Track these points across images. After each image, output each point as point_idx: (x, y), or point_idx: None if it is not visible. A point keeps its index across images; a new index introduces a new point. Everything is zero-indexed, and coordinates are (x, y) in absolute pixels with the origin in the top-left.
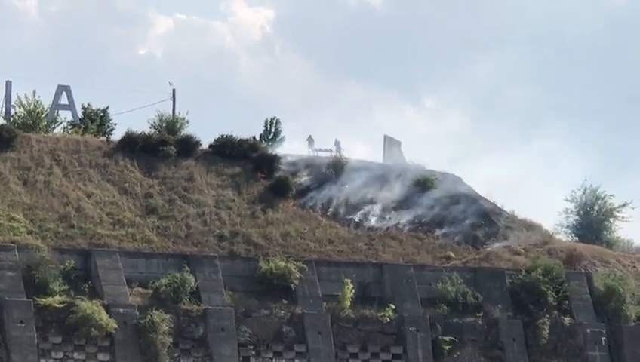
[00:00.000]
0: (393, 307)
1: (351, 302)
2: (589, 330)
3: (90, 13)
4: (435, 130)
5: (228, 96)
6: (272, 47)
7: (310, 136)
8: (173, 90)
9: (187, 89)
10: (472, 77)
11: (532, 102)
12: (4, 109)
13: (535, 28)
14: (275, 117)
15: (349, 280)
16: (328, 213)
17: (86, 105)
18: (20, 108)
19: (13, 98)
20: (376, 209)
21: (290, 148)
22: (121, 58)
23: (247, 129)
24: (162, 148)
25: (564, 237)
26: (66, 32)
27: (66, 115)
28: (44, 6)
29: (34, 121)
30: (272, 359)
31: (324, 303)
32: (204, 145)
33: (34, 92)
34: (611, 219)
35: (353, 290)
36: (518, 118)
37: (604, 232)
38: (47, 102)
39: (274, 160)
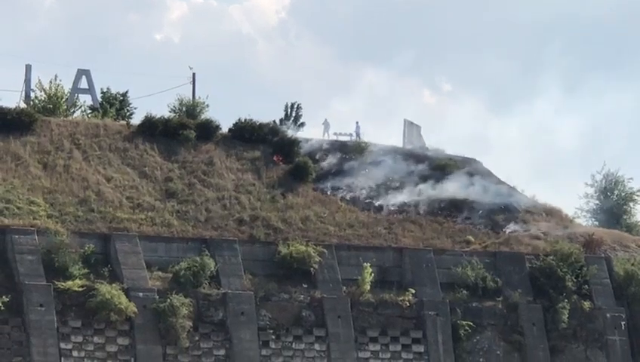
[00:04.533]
0: (413, 291)
1: (370, 286)
2: (608, 315)
3: None
4: (453, 114)
5: (244, 80)
6: (287, 31)
7: (326, 119)
8: (193, 75)
9: (204, 73)
10: (489, 61)
11: (548, 88)
12: (24, 93)
13: (547, 16)
14: (295, 101)
15: (369, 265)
16: (348, 198)
17: (105, 90)
18: (40, 92)
19: (33, 82)
20: (396, 193)
21: (308, 132)
22: (138, 43)
23: (265, 113)
24: (182, 132)
25: (584, 221)
26: (81, 17)
27: (85, 99)
28: None
29: (54, 105)
30: (291, 343)
31: (344, 287)
32: (224, 129)
33: (55, 76)
34: (631, 204)
35: (373, 274)
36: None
37: (624, 217)
38: (66, 86)
39: (294, 144)
